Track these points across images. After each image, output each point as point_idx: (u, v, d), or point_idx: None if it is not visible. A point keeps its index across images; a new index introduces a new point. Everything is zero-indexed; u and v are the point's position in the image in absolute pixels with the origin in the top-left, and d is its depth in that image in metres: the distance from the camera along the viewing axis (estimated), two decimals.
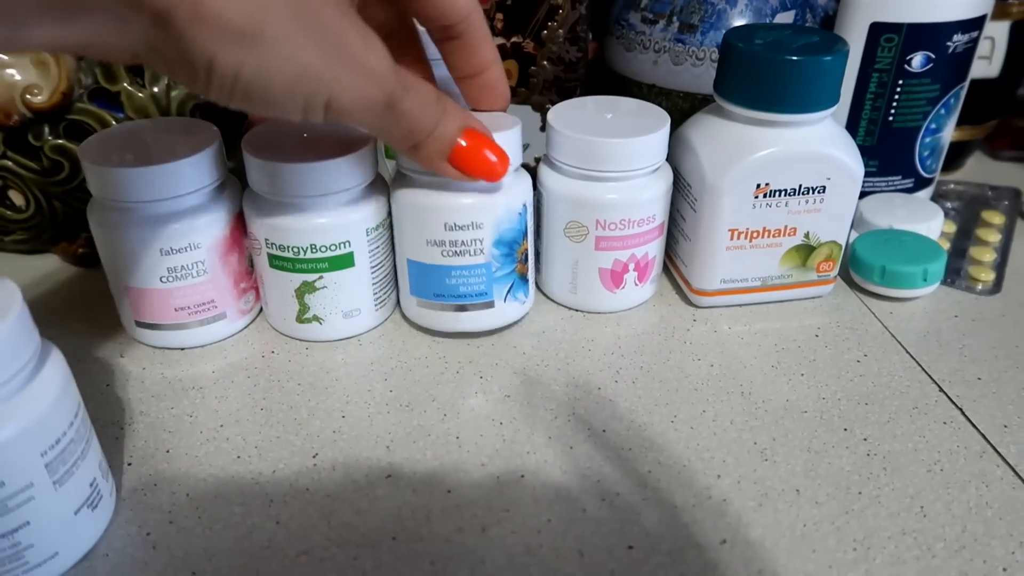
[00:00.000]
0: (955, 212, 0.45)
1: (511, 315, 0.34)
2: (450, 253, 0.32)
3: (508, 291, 0.33)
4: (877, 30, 0.38)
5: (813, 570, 0.25)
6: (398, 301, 0.36)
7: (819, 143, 0.33)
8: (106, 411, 0.31)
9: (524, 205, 0.32)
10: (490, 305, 0.33)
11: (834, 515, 0.27)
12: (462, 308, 0.33)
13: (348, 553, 0.26)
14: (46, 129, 0.36)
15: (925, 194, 0.44)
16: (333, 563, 0.25)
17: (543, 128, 0.45)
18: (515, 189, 0.32)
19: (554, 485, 0.28)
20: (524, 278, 0.34)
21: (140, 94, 0.37)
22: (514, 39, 0.42)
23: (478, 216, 0.31)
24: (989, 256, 0.41)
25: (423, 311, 0.34)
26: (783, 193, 0.34)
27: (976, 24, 0.39)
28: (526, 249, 0.33)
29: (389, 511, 0.27)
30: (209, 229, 0.32)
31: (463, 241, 0.32)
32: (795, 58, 0.31)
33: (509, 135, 0.31)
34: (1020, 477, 0.28)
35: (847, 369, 0.34)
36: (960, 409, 0.31)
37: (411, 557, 0.25)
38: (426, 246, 0.32)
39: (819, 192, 0.34)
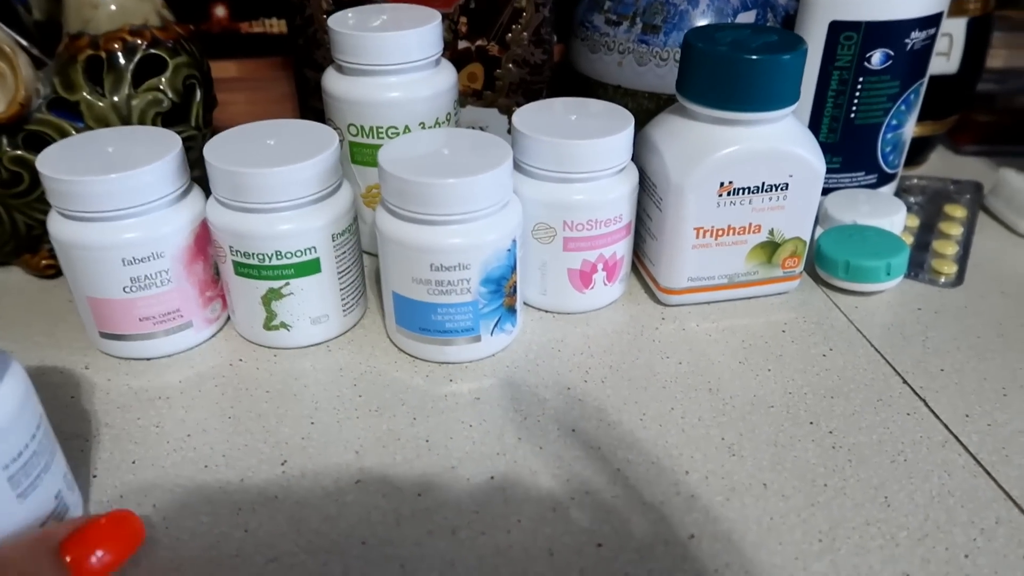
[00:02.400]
0: (918, 206, 0.46)
1: (498, 346, 0.34)
2: (436, 292, 0.31)
3: (495, 324, 0.33)
4: (836, 28, 0.39)
5: (779, 562, 0.25)
6: (367, 306, 0.36)
7: (780, 141, 0.33)
8: (71, 423, 0.31)
9: (513, 240, 0.32)
10: (477, 339, 0.33)
11: (800, 507, 0.27)
12: (448, 343, 0.33)
13: (317, 559, 0.25)
14: (4, 140, 0.36)
15: (888, 189, 0.45)
16: (303, 569, 0.25)
17: (510, 130, 0.45)
18: (505, 227, 0.31)
19: (524, 486, 0.28)
20: (512, 309, 0.34)
21: (100, 103, 0.36)
22: (479, 42, 0.43)
23: (465, 257, 0.31)
24: (951, 249, 0.42)
25: (408, 341, 0.34)
26: (746, 191, 0.34)
27: (933, 21, 0.40)
28: (514, 282, 0.33)
29: (359, 516, 0.27)
30: (173, 238, 0.32)
31: (449, 281, 0.31)
32: (754, 57, 0.32)
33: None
34: (981, 465, 0.29)
35: (813, 363, 0.34)
36: (923, 400, 0.32)
37: (381, 561, 0.25)
38: (411, 283, 0.32)
39: (782, 189, 0.34)
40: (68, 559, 0.22)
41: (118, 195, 0.30)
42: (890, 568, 0.25)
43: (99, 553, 0.22)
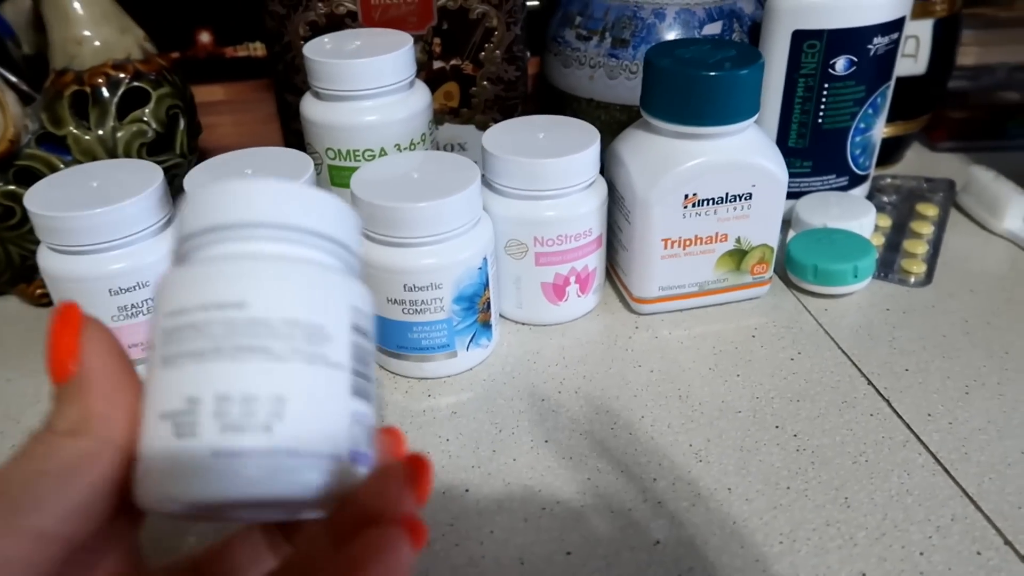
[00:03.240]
0: (891, 206, 0.47)
1: (474, 360, 0.35)
2: (410, 311, 0.33)
3: (471, 340, 0.34)
4: (800, 37, 0.40)
5: (740, 565, 0.26)
6: None
7: (742, 152, 0.34)
8: None
9: (484, 259, 0.33)
10: (453, 355, 0.34)
11: (762, 510, 0.28)
12: (425, 359, 0.34)
13: None
14: None
15: (861, 191, 0.46)
16: None
17: None
18: (475, 247, 0.32)
19: (496, 497, 0.29)
20: (487, 324, 0.35)
21: (87, 136, 0.37)
22: (453, 62, 0.44)
23: (437, 277, 0.32)
24: (922, 249, 0.42)
25: (387, 359, 0.35)
26: (711, 202, 0.35)
27: (896, 26, 0.40)
28: (487, 299, 0.34)
29: None
30: (157, 267, 0.33)
31: (423, 300, 0.32)
32: (712, 74, 0.33)
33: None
34: (940, 463, 0.30)
35: (781, 367, 0.35)
36: (887, 400, 0.33)
37: None
38: (387, 303, 0.33)
39: (746, 199, 0.35)
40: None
41: (103, 228, 0.32)
42: (847, 567, 0.26)
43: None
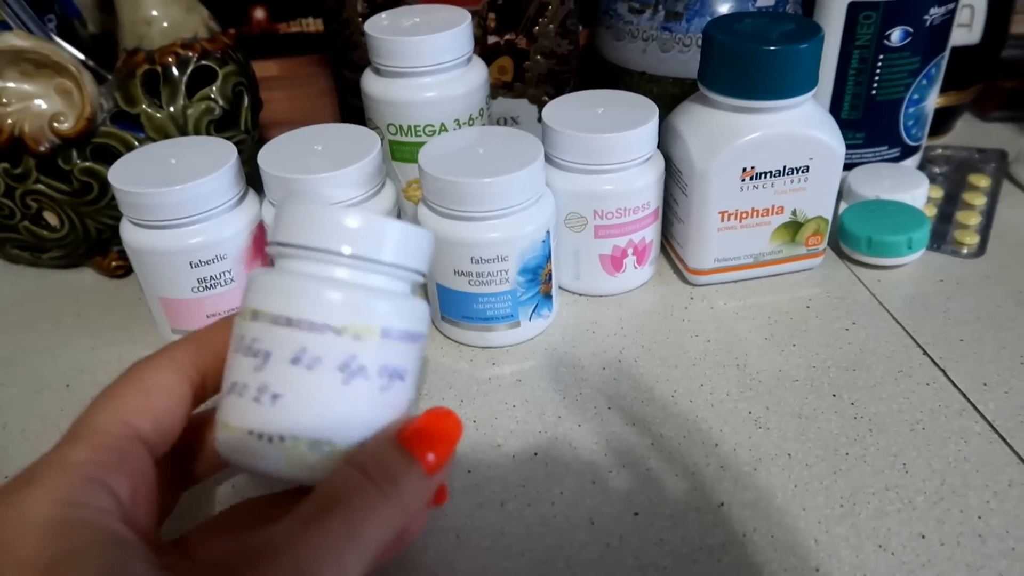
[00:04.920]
0: (943, 177, 0.47)
1: (536, 330, 0.36)
2: (477, 283, 0.34)
3: (533, 310, 0.35)
4: (856, 8, 0.40)
5: (803, 526, 0.27)
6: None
7: (800, 126, 0.35)
8: None
9: (547, 232, 0.34)
10: (516, 325, 0.35)
11: (823, 475, 0.29)
12: (489, 329, 0.35)
13: None
14: (74, 153, 0.39)
15: (912, 162, 0.46)
16: None
17: (540, 119, 0.47)
18: (539, 220, 0.33)
19: (565, 460, 0.30)
20: (548, 295, 0.36)
21: (158, 114, 0.39)
22: (507, 36, 0.44)
23: (503, 250, 0.33)
24: (974, 220, 0.43)
25: (452, 328, 0.36)
26: (768, 175, 0.36)
27: None
28: (550, 271, 0.35)
29: None
30: (233, 240, 0.35)
31: (489, 272, 0.33)
32: (773, 48, 0.33)
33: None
34: (997, 432, 0.31)
35: (836, 338, 0.36)
36: (942, 370, 0.34)
37: (438, 532, 0.28)
38: (453, 275, 0.34)
39: (803, 172, 0.36)
40: (411, 450, 0.22)
41: (184, 204, 0.33)
42: (907, 529, 0.27)
43: (431, 456, 0.22)
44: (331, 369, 0.22)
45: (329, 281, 0.23)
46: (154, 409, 0.23)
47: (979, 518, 0.27)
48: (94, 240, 0.42)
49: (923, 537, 0.27)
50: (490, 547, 0.27)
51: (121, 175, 0.34)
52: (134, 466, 0.22)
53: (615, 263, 0.38)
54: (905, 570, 0.26)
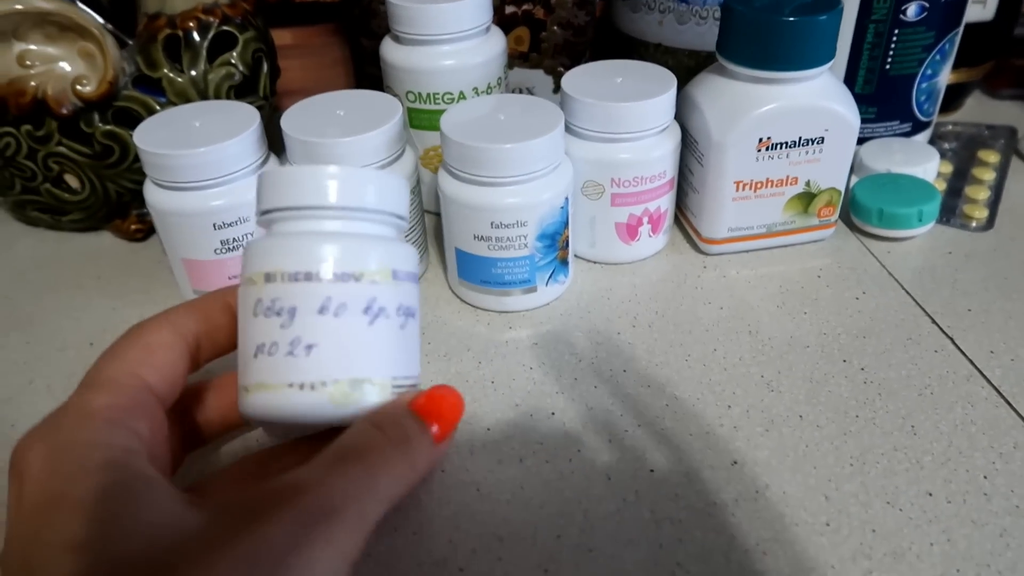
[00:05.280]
0: (952, 152, 0.47)
1: (552, 295, 0.37)
2: (495, 247, 0.34)
3: (550, 276, 0.36)
4: None
5: (814, 484, 0.28)
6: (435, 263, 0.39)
7: (817, 97, 0.35)
8: None
9: (566, 198, 0.35)
10: (533, 290, 0.36)
11: (833, 436, 0.30)
12: (507, 293, 0.36)
13: None
14: (96, 116, 0.39)
15: (923, 137, 0.46)
16: None
17: (556, 90, 0.47)
18: (558, 186, 0.34)
19: (581, 419, 0.31)
20: (564, 261, 0.36)
21: (180, 79, 0.39)
22: (525, 7, 0.45)
23: (523, 215, 0.33)
24: (983, 194, 0.43)
25: (470, 292, 0.37)
26: (784, 146, 0.36)
27: None
28: (567, 237, 0.36)
29: None
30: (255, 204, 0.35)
31: (508, 237, 0.34)
32: (792, 19, 0.33)
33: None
34: (1003, 397, 0.31)
35: (847, 306, 0.36)
36: (950, 338, 0.34)
37: (459, 486, 0.29)
38: (473, 239, 0.34)
39: (818, 143, 0.36)
40: (423, 416, 0.24)
41: (208, 166, 0.33)
42: (915, 488, 0.28)
43: (435, 427, 0.24)
44: (357, 313, 0.24)
45: (334, 234, 0.24)
46: (157, 363, 0.24)
47: (984, 477, 0.28)
48: (114, 203, 0.42)
49: (930, 495, 0.28)
50: (510, 500, 0.28)
51: (146, 137, 0.34)
52: (151, 412, 0.23)
53: (630, 231, 0.38)
54: (912, 525, 0.27)
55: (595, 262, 0.40)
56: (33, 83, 0.38)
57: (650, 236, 0.39)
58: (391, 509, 0.22)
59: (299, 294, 0.24)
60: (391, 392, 0.25)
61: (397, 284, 0.25)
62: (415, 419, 0.24)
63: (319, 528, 0.20)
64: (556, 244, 0.35)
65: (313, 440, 0.26)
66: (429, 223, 0.43)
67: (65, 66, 0.38)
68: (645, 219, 0.38)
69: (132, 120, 0.39)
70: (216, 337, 0.26)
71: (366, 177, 0.25)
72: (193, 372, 0.26)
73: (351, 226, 0.25)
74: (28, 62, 0.38)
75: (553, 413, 0.32)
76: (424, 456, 0.24)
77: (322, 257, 0.24)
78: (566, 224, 0.35)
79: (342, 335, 0.24)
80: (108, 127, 0.39)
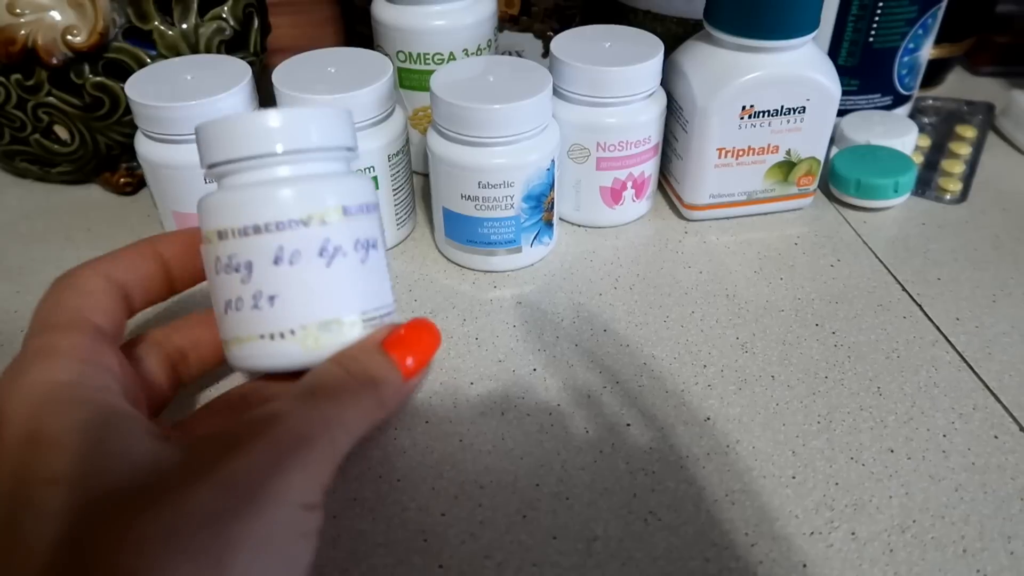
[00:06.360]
0: (931, 127, 0.48)
1: (537, 256, 0.38)
2: (482, 207, 0.35)
3: (535, 237, 0.37)
4: None
5: (783, 439, 0.30)
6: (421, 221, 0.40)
7: (800, 67, 0.36)
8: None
9: (552, 160, 0.35)
10: (518, 251, 0.37)
11: (803, 395, 0.31)
12: (492, 253, 0.37)
13: (388, 435, 0.30)
14: (86, 68, 0.39)
15: (903, 110, 0.47)
16: (375, 442, 0.30)
17: (545, 54, 0.48)
18: (545, 148, 0.34)
19: (562, 376, 0.32)
20: (549, 223, 0.37)
21: (170, 32, 0.39)
22: None
23: (509, 176, 0.34)
24: (959, 168, 0.44)
25: (456, 252, 0.37)
26: (766, 114, 0.37)
27: None
28: (552, 199, 0.36)
29: (421, 400, 0.31)
30: None
31: (495, 197, 0.35)
32: None
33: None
34: (966, 361, 0.33)
35: (821, 273, 0.38)
36: (919, 305, 0.36)
37: (442, 436, 0.30)
38: (460, 199, 0.35)
39: (799, 112, 0.37)
40: (393, 354, 0.25)
41: (200, 119, 0.33)
42: (878, 444, 0.29)
43: (409, 360, 0.25)
44: (312, 257, 0.24)
45: (279, 181, 0.24)
46: (100, 307, 0.24)
47: (944, 436, 0.30)
48: (103, 156, 0.42)
49: (892, 451, 0.29)
50: (492, 451, 0.29)
51: (138, 88, 0.34)
52: (113, 351, 0.24)
53: (614, 195, 0.39)
54: (873, 479, 0.28)
55: (579, 225, 0.41)
56: (23, 32, 0.38)
57: (634, 201, 0.40)
58: (370, 445, 0.23)
59: (252, 248, 0.24)
60: (364, 326, 0.25)
61: (350, 219, 0.25)
62: (384, 357, 0.25)
63: (293, 454, 0.21)
64: (541, 206, 0.36)
65: (294, 375, 0.27)
66: (417, 184, 0.44)
67: (55, 15, 0.38)
68: (629, 184, 0.39)
69: (122, 72, 0.39)
70: (147, 285, 0.26)
71: (306, 116, 0.25)
72: (128, 319, 0.26)
73: (298, 168, 0.25)
74: (18, 10, 0.37)
75: (535, 369, 0.33)
76: (392, 393, 0.25)
77: (268, 208, 0.24)
78: (552, 186, 0.36)
79: (301, 282, 0.24)
80: (98, 78, 0.39)
